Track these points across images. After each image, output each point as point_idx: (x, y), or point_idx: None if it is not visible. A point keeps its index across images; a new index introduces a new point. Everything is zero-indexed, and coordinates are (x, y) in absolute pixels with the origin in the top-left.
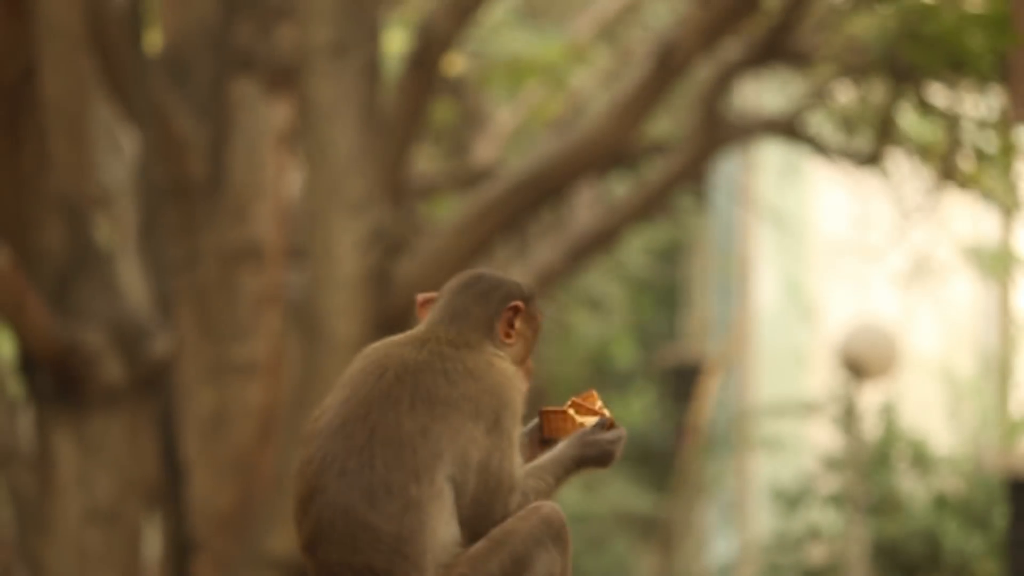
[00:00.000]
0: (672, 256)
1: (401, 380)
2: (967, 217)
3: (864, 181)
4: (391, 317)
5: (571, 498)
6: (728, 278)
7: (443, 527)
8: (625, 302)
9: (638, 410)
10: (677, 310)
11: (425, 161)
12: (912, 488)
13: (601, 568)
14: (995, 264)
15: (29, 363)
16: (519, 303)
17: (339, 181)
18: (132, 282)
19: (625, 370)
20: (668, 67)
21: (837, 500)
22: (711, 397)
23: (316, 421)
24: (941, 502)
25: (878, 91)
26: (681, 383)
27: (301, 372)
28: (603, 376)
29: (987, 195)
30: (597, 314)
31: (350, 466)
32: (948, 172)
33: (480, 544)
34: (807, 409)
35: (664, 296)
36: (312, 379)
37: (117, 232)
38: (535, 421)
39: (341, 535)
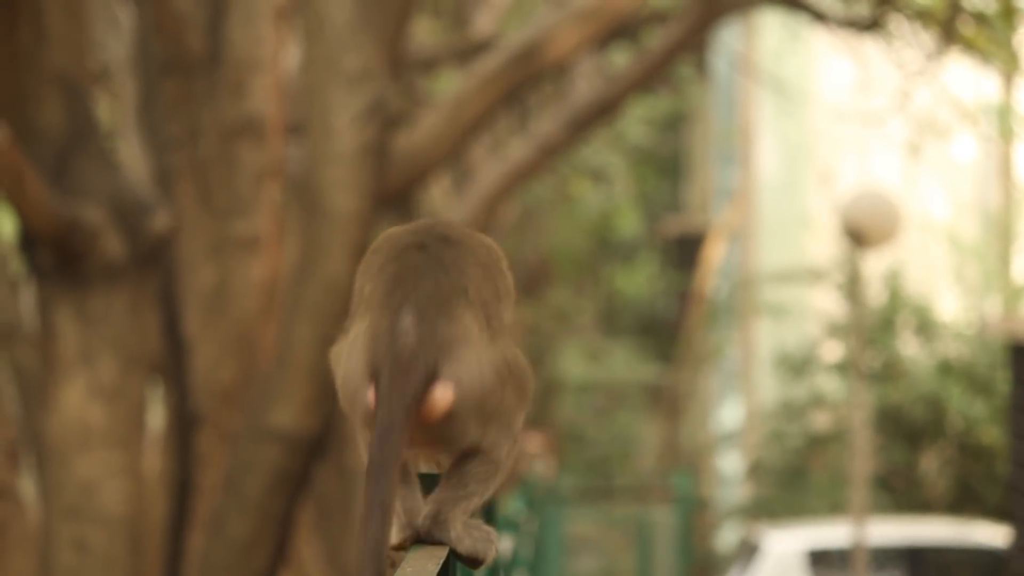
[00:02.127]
0: (674, 126)
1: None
2: (968, 80)
3: (865, 47)
4: (390, 191)
5: (577, 368)
6: (730, 147)
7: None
8: (627, 173)
9: (642, 280)
10: (680, 180)
11: (425, 34)
12: (916, 354)
13: (607, 437)
14: (998, 125)
15: (29, 240)
16: None
17: (337, 55)
18: (132, 157)
19: (628, 240)
20: None
21: (841, 367)
22: (715, 266)
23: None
24: (945, 368)
25: None
26: (685, 252)
27: (301, 246)
28: (606, 247)
29: (987, 58)
30: (599, 185)
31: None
32: (949, 36)
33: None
34: (811, 276)
35: (667, 166)
36: (312, 253)
37: (116, 108)
38: None
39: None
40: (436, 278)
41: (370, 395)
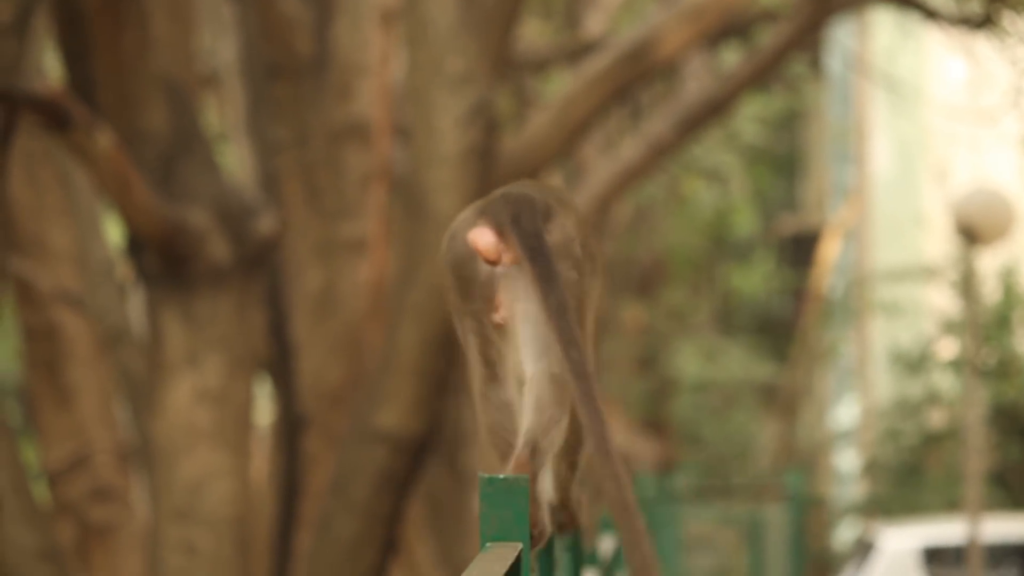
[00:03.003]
0: (789, 124)
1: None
2: None
3: (978, 44)
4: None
5: (692, 367)
6: (845, 145)
7: None
8: (742, 171)
9: (757, 279)
10: (795, 178)
11: (536, 35)
12: None
13: (723, 436)
14: None
15: (136, 244)
16: None
17: (440, 57)
18: (240, 161)
19: (744, 239)
20: None
21: (956, 364)
22: (830, 264)
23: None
24: None
25: None
26: (800, 251)
27: (406, 249)
28: (722, 246)
29: None
30: (714, 184)
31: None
32: None
33: None
34: (926, 274)
35: (781, 164)
36: (417, 255)
37: (224, 112)
38: None
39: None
40: (539, 188)
41: (483, 234)
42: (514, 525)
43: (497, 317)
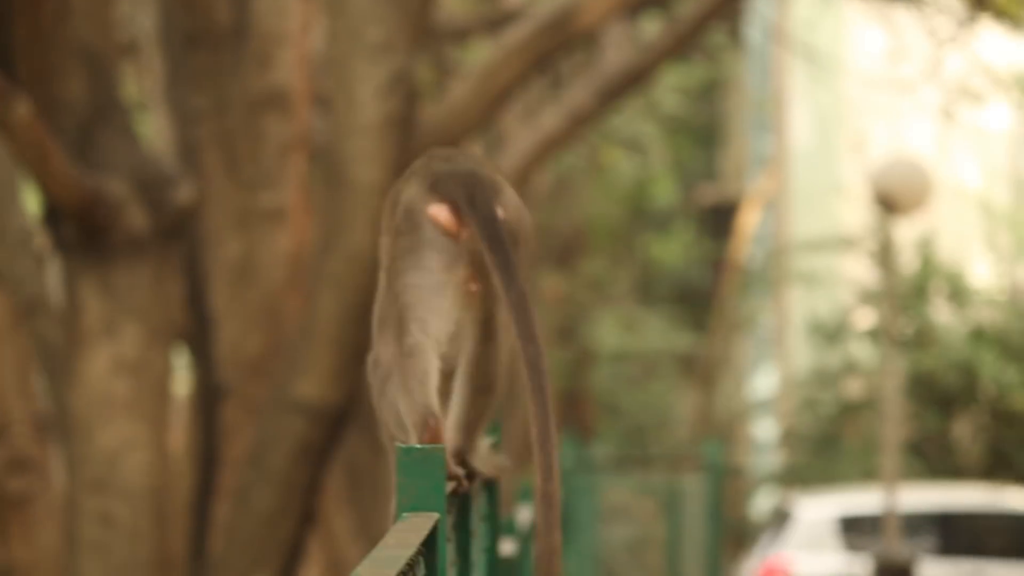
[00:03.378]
0: (708, 95)
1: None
2: (1000, 48)
3: (896, 15)
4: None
5: (611, 338)
6: (764, 115)
7: None
8: (662, 141)
9: (677, 249)
10: (714, 148)
11: (456, 4)
12: (948, 321)
13: (642, 406)
14: None
15: (53, 214)
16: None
17: (360, 27)
18: (158, 130)
19: (663, 209)
20: None
21: (873, 334)
22: (749, 234)
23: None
24: (977, 334)
25: None
26: (719, 221)
27: (326, 218)
28: (641, 216)
29: (1019, 24)
30: (633, 154)
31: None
32: (980, 3)
33: None
34: (844, 244)
35: (701, 135)
36: (336, 225)
37: (143, 81)
38: None
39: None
40: (470, 156)
41: (441, 212)
42: (431, 495)
43: (472, 287)
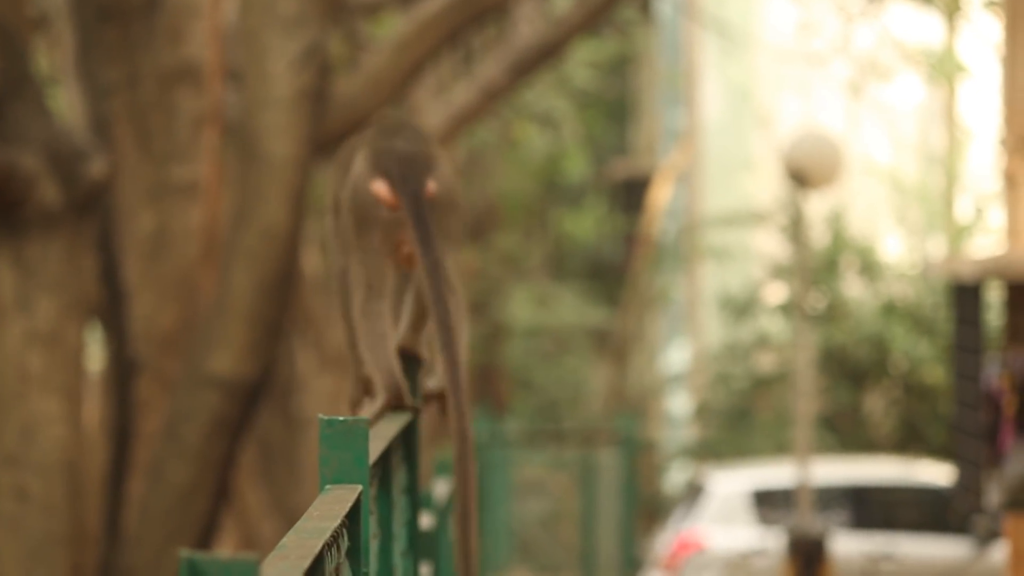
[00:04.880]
0: (620, 69)
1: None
2: (910, 23)
3: None
4: (330, 135)
5: (524, 312)
6: (675, 90)
7: None
8: (573, 116)
9: (589, 224)
10: (626, 123)
11: None
12: (859, 295)
13: (555, 380)
14: (940, 68)
15: None
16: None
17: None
18: (70, 104)
19: (575, 184)
20: None
21: (785, 308)
22: (661, 208)
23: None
24: (888, 308)
25: None
26: (631, 195)
27: (239, 192)
28: (553, 191)
29: (929, 0)
30: (545, 129)
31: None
32: None
33: None
34: (755, 218)
35: (613, 109)
36: (249, 198)
37: (54, 55)
38: None
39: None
40: (411, 131)
41: (381, 187)
42: (354, 467)
43: (405, 251)
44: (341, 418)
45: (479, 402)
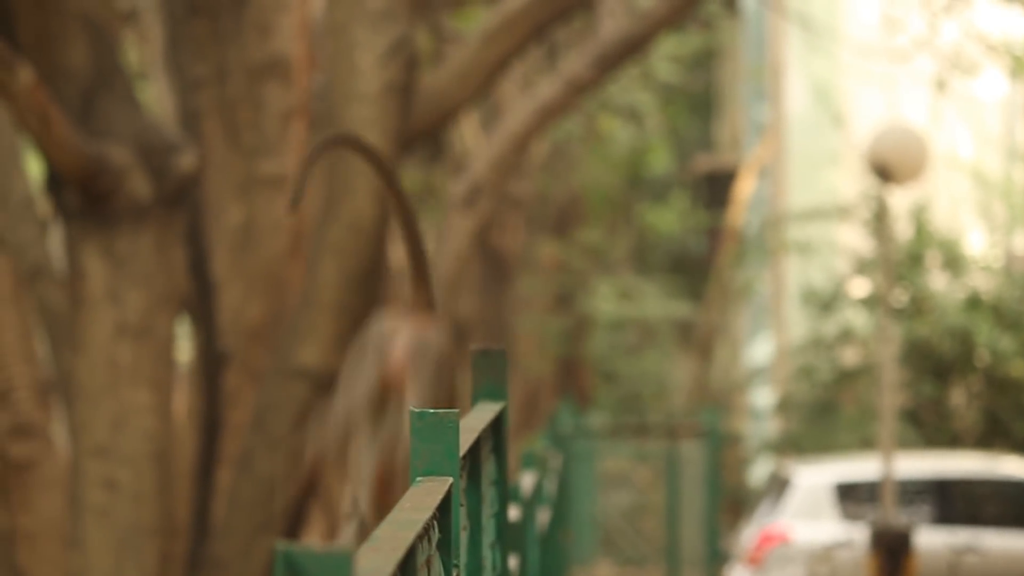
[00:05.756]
0: (704, 63)
1: None
2: (995, 17)
3: None
4: (417, 129)
5: (608, 306)
6: (760, 84)
7: None
8: (658, 110)
9: (673, 218)
10: (710, 117)
11: None
12: (943, 289)
13: (638, 374)
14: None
15: (56, 181)
16: None
17: None
18: (159, 98)
19: (660, 178)
20: None
21: (869, 302)
22: (745, 202)
23: None
24: (972, 302)
25: None
26: (715, 189)
27: (327, 185)
28: (637, 185)
29: None
30: (630, 123)
31: None
32: None
33: None
34: (839, 212)
35: (697, 103)
36: (337, 192)
37: (144, 49)
38: None
39: None
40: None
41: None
42: (444, 459)
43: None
44: (432, 411)
45: (563, 395)
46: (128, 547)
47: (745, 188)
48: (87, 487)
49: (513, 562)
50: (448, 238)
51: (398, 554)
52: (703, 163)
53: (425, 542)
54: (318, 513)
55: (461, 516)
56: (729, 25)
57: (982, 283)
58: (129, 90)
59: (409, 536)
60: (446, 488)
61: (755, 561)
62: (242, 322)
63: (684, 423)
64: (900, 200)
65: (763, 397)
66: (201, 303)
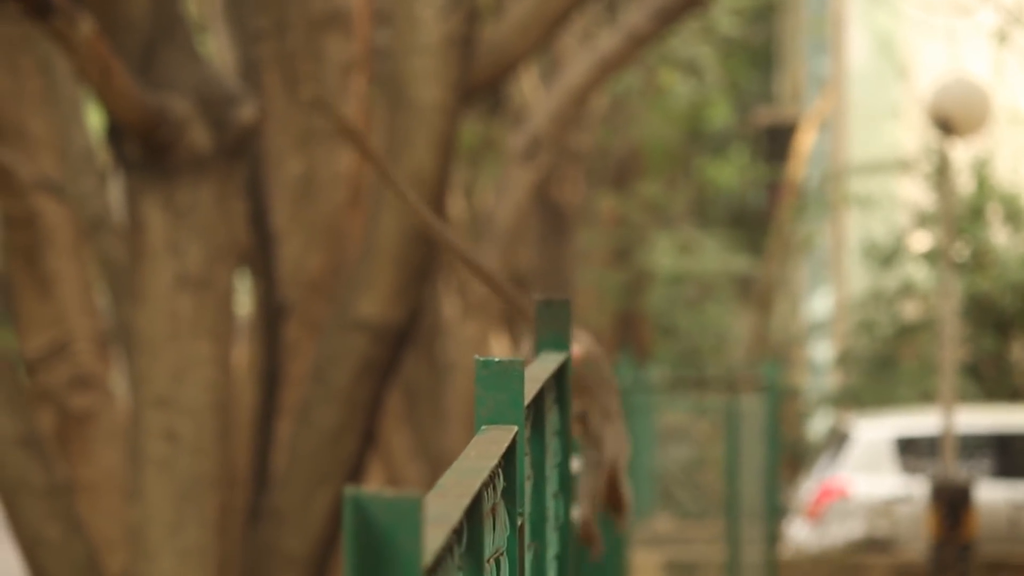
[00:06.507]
0: (765, 16)
1: None
2: None
3: None
4: (477, 82)
5: (668, 259)
6: (821, 36)
7: None
8: (718, 63)
9: (733, 171)
10: (770, 70)
11: None
12: (1005, 243)
13: (698, 327)
14: None
15: (116, 132)
16: None
17: None
18: (219, 49)
19: (720, 131)
20: None
21: (930, 256)
22: (805, 156)
23: None
24: None
25: None
26: (776, 143)
27: (387, 138)
28: (697, 138)
29: None
30: (690, 76)
31: None
32: None
33: None
34: (900, 166)
35: (757, 56)
36: (398, 144)
37: (204, 1)
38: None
39: None
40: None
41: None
42: (509, 408)
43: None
44: (497, 359)
45: (622, 349)
46: (188, 498)
47: (805, 141)
48: (147, 439)
49: (576, 513)
50: (507, 191)
51: (464, 500)
52: (763, 116)
53: (490, 490)
54: (376, 465)
55: (525, 465)
56: None
57: None
58: (190, 41)
59: (475, 483)
60: (511, 437)
61: (815, 515)
62: (302, 274)
63: (743, 377)
64: (962, 154)
65: (823, 351)
66: (261, 255)
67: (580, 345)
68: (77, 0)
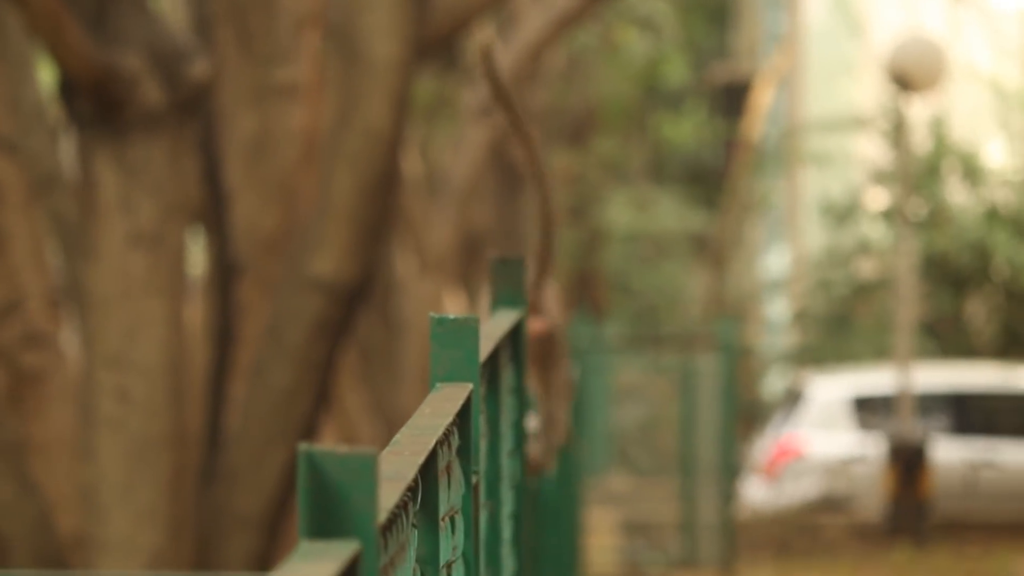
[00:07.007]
0: None
1: None
2: None
3: None
4: (432, 37)
5: (623, 217)
6: None
7: None
8: (674, 20)
9: (689, 128)
10: (727, 26)
11: None
12: (962, 201)
13: (654, 285)
14: None
15: (68, 88)
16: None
17: None
18: (172, 4)
19: (676, 88)
20: None
21: (887, 214)
22: (762, 113)
23: None
24: (991, 214)
25: None
26: (732, 100)
27: (341, 94)
28: (653, 95)
29: None
30: (646, 33)
31: None
32: None
33: None
34: (856, 123)
35: (714, 13)
36: (352, 100)
37: None
38: None
39: None
40: None
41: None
42: (464, 365)
43: None
44: (452, 316)
45: (577, 307)
46: (141, 458)
47: (762, 98)
48: (99, 397)
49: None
50: (464, 149)
51: (419, 458)
52: (719, 73)
53: (445, 448)
54: (330, 424)
55: (481, 423)
56: None
57: (1000, 195)
58: None
59: (430, 441)
60: (466, 394)
61: (770, 473)
62: (256, 232)
63: (699, 335)
64: (918, 112)
65: (779, 309)
66: (214, 213)
67: (539, 320)
68: None
